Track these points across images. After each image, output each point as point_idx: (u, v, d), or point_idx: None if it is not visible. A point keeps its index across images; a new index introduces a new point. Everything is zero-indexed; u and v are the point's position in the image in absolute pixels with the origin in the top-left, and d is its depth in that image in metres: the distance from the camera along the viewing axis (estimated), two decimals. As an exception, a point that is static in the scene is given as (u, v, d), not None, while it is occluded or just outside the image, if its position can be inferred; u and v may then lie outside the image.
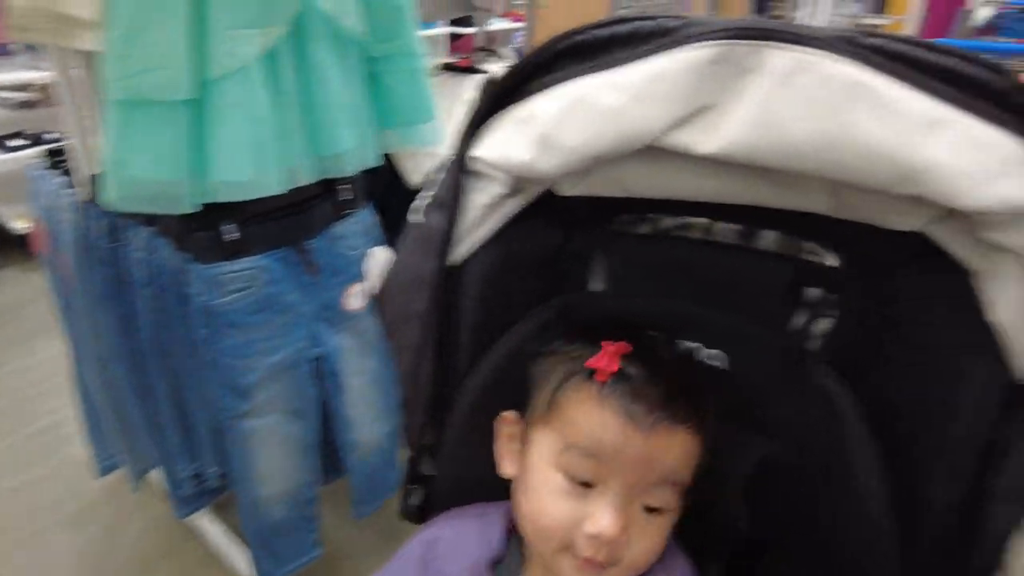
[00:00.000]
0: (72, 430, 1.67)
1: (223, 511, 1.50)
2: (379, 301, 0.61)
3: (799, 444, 0.57)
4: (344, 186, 1.14)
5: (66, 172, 1.20)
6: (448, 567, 0.58)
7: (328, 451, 1.28)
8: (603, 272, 0.65)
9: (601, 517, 0.50)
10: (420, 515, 0.66)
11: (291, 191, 0.99)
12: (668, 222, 0.62)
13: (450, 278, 0.57)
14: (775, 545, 0.62)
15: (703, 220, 0.61)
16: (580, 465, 0.52)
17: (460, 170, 0.53)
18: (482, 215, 0.55)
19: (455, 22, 2.09)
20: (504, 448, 0.60)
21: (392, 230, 1.26)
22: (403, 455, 0.66)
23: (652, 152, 0.47)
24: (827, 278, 0.58)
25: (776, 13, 4.94)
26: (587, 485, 0.52)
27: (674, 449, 0.52)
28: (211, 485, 1.30)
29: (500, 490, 0.61)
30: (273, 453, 1.16)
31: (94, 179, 1.10)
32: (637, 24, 0.46)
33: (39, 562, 1.48)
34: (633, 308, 0.61)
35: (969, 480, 0.47)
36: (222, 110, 0.88)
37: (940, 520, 0.49)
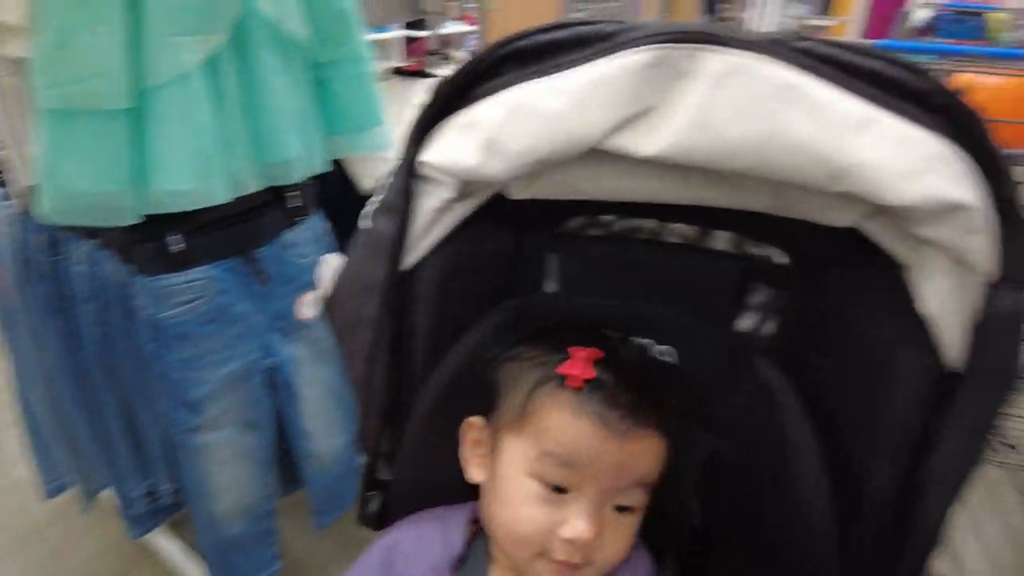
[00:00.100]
0: (16, 451, 1.61)
1: (179, 528, 1.46)
2: (329, 307, 0.60)
3: (745, 438, 0.58)
4: (293, 193, 1.12)
5: (2, 183, 1.15)
6: (410, 570, 0.58)
7: (286, 462, 1.26)
8: (555, 273, 0.65)
9: (577, 522, 0.51)
10: (379, 521, 0.66)
11: (239, 199, 0.97)
12: (619, 223, 0.63)
13: (402, 283, 0.57)
14: (723, 543, 0.63)
15: (653, 221, 0.62)
16: (555, 472, 0.52)
17: (409, 175, 0.53)
18: (432, 220, 0.55)
19: (410, 25, 2.08)
20: (470, 453, 0.60)
21: (345, 236, 1.24)
22: (363, 462, 0.66)
23: (597, 155, 0.47)
24: (775, 275, 0.60)
25: (725, 15, 5.05)
26: (561, 490, 0.53)
27: (647, 452, 0.53)
28: (166, 502, 1.27)
29: (459, 493, 0.61)
30: (228, 467, 1.13)
31: (31, 191, 1.06)
32: (577, 29, 0.47)
33: (-16, 590, 1.42)
34: (586, 308, 0.62)
35: (905, 467, 0.48)
36: (163, 119, 0.86)
37: (879, 506, 0.50)
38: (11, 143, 1.07)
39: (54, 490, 1.47)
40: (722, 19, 4.99)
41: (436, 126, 0.52)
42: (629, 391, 0.53)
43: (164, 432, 1.12)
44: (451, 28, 2.13)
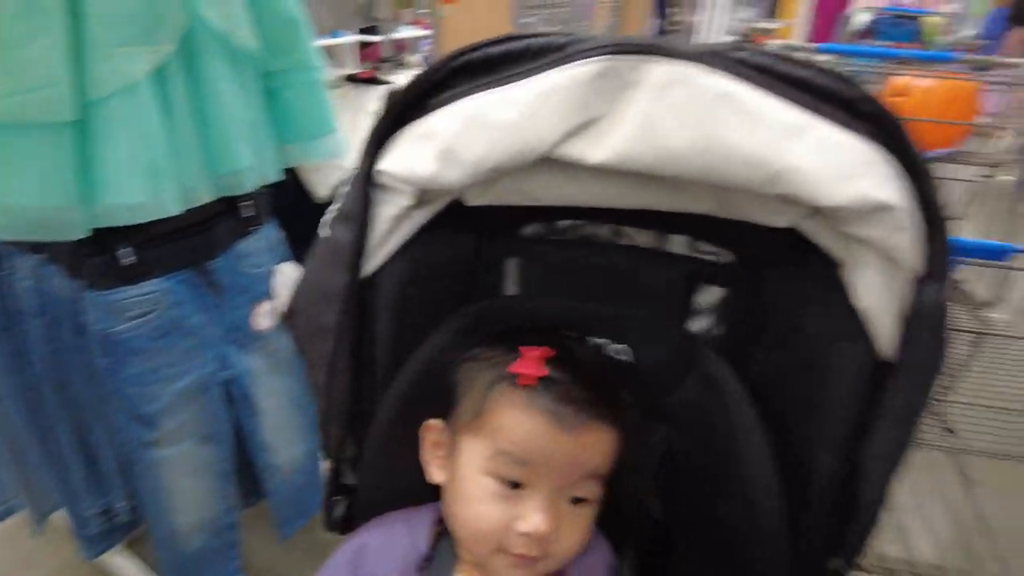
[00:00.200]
0: (-39, 475, 1.55)
1: (138, 546, 1.43)
2: (289, 316, 0.61)
3: (698, 433, 0.60)
4: (246, 202, 1.11)
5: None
6: (378, 570, 0.59)
7: (246, 474, 1.24)
8: (514, 277, 0.67)
9: (533, 516, 0.53)
10: (345, 526, 0.66)
11: (191, 210, 0.96)
12: (575, 228, 0.65)
13: (362, 291, 0.57)
14: (682, 541, 0.65)
15: (608, 226, 0.64)
16: (510, 469, 0.54)
17: (366, 184, 0.54)
18: (390, 227, 0.56)
19: (363, 31, 2.07)
20: (430, 455, 0.61)
21: (299, 244, 1.24)
22: (327, 469, 0.66)
23: (550, 162, 0.49)
24: (722, 274, 0.62)
25: (675, 19, 5.15)
26: (517, 485, 0.54)
27: (599, 445, 0.55)
28: (122, 520, 1.24)
29: (423, 495, 0.62)
30: (186, 481, 1.12)
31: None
32: (528, 42, 0.49)
33: (-71, 621, 1.37)
34: (545, 310, 0.63)
35: (846, 454, 0.51)
36: (111, 130, 0.85)
37: (825, 493, 0.53)
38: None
39: (1, 514, 1.42)
40: (672, 23, 5.09)
41: (392, 136, 0.53)
42: (581, 387, 0.54)
43: (119, 448, 1.10)
44: (404, 33, 2.13)
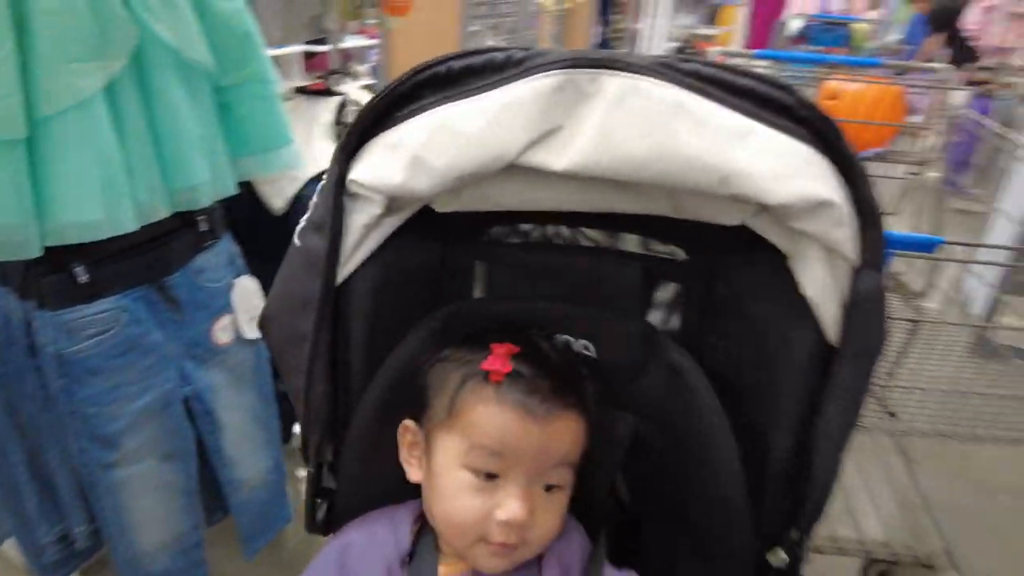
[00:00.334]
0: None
1: (96, 572, 1.39)
2: (265, 325, 0.62)
3: (662, 419, 0.64)
4: (202, 217, 1.10)
5: None
6: (363, 568, 0.60)
7: (211, 490, 1.23)
8: (483, 280, 0.70)
9: (510, 504, 0.55)
10: (327, 528, 0.68)
11: (147, 226, 0.95)
12: (537, 231, 0.68)
13: (336, 298, 0.59)
14: (651, 525, 0.68)
15: (568, 228, 0.67)
16: (486, 461, 0.56)
17: (338, 193, 0.55)
18: (362, 235, 0.58)
19: (310, 42, 2.05)
20: (408, 455, 0.63)
21: (257, 257, 1.23)
22: (292, 484, 0.67)
23: (514, 170, 0.52)
24: (677, 271, 0.66)
25: (619, 26, 5.27)
26: (492, 476, 0.57)
27: (567, 433, 0.58)
28: (81, 546, 1.20)
29: (403, 495, 0.64)
30: (149, 500, 1.10)
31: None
32: (490, 56, 0.52)
33: None
34: (512, 311, 0.66)
35: (799, 428, 0.55)
36: (64, 147, 0.84)
37: (781, 473, 0.56)
38: None
39: (-52, 546, 1.36)
40: (615, 31, 5.20)
41: (362, 147, 0.55)
42: (547, 379, 0.57)
43: (77, 471, 1.07)
44: (351, 42, 2.12)
